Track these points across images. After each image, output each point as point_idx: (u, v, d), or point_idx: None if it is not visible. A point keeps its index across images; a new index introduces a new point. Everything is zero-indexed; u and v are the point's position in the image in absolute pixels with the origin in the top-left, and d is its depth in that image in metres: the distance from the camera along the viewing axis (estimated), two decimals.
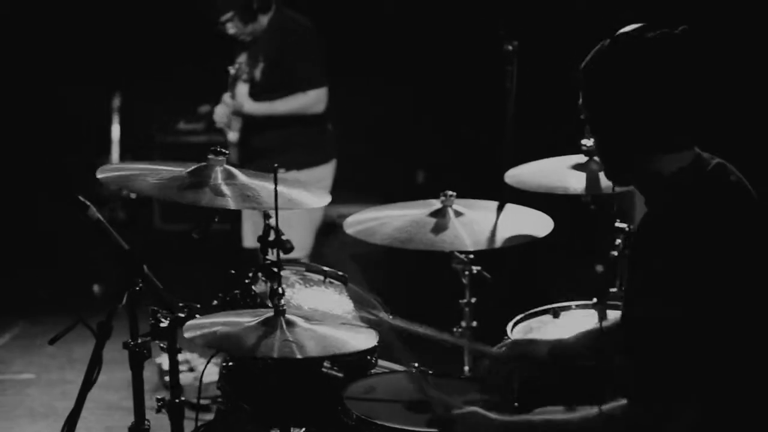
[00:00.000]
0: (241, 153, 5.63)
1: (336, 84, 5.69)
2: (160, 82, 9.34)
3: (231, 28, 5.50)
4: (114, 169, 3.00)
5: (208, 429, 3.25)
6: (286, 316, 2.64)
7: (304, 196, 3.12)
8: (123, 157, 8.79)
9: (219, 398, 3.41)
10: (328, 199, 3.21)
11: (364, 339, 2.70)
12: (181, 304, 3.40)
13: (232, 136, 5.64)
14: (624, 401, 2.41)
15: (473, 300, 3.95)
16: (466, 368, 3.92)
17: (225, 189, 2.88)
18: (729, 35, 5.31)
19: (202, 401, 5.02)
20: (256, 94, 5.52)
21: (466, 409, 2.59)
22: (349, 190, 7.59)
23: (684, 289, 2.35)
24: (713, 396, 2.38)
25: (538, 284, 5.39)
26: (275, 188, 2.66)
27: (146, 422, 3.06)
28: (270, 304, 3.16)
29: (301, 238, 5.46)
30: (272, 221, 3.37)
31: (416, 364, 3.38)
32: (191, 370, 5.44)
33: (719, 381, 2.38)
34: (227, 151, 3.03)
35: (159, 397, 3.29)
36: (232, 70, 5.52)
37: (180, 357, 5.57)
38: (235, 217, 6.81)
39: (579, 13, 6.54)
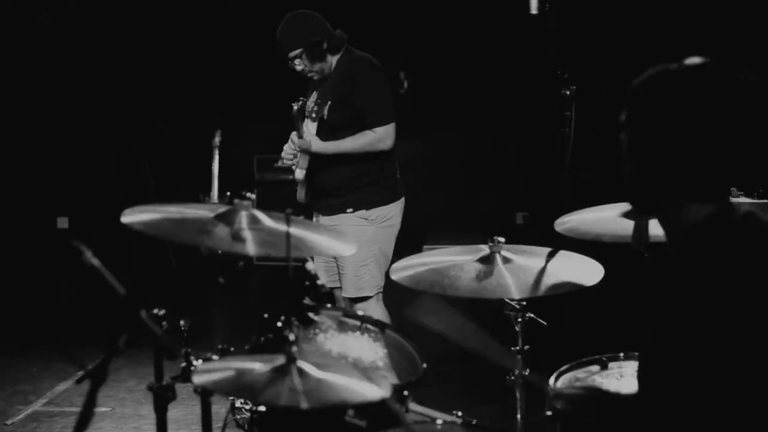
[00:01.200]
0: (308, 191, 5.63)
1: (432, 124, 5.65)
2: (259, 120, 9.46)
3: (299, 65, 5.51)
4: (140, 211, 2.99)
5: None
6: (298, 363, 2.59)
7: (327, 244, 3.07)
8: (222, 195, 8.84)
9: None
10: (352, 249, 3.15)
11: (377, 389, 2.63)
12: (220, 347, 3.42)
13: (299, 174, 5.64)
14: None
15: (526, 347, 3.85)
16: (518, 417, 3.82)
17: (247, 234, 2.85)
18: None
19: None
20: (325, 132, 5.51)
21: None
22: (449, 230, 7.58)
23: (704, 340, 2.24)
24: None
25: (591, 333, 5.25)
26: (287, 232, 2.60)
27: None
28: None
29: (371, 275, 5.43)
30: (309, 265, 3.37)
31: (459, 413, 3.34)
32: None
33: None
34: (253, 195, 3.01)
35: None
36: (295, 107, 5.52)
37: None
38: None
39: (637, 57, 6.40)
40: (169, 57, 9.57)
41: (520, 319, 3.82)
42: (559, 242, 3.69)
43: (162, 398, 2.97)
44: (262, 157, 9.78)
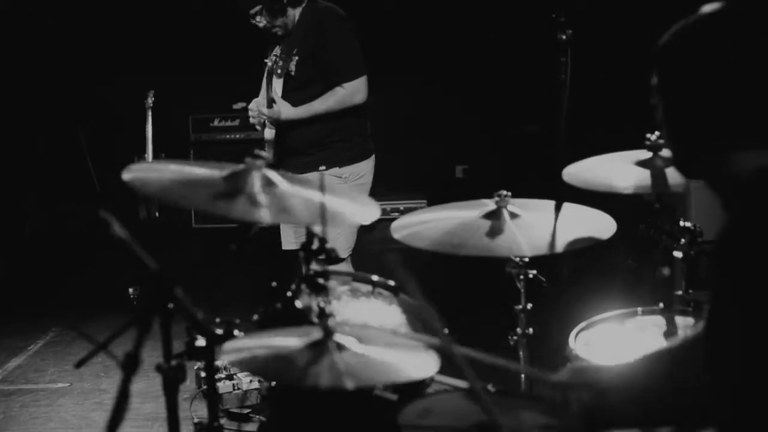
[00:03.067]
0: (278, 151, 5.38)
1: (377, 79, 5.44)
2: (194, 78, 9.20)
3: (260, 22, 5.26)
4: (142, 169, 2.74)
5: None
6: (336, 337, 2.39)
7: (350, 209, 2.86)
8: (157, 156, 8.59)
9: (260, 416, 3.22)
10: (377, 213, 2.94)
11: (424, 366, 2.44)
12: (218, 320, 3.19)
13: (268, 133, 5.40)
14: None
15: (529, 306, 3.69)
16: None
17: (262, 199, 2.62)
18: None
19: (242, 410, 4.87)
20: (291, 89, 5.27)
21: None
22: (387, 185, 7.38)
23: None
24: None
25: (598, 288, 5.13)
26: (321, 197, 2.39)
27: None
28: (315, 320, 2.94)
29: (344, 237, 5.23)
30: (316, 228, 3.15)
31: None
32: (230, 378, 5.21)
33: None
34: (267, 154, 2.78)
35: (196, 420, 3.07)
36: (268, 63, 5.27)
37: (218, 363, 5.43)
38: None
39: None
40: (102, 13, 9.25)
41: (522, 277, 3.67)
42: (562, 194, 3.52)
43: (172, 379, 2.74)
44: (197, 117, 9.51)
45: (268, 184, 2.69)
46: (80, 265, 8.53)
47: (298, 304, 2.97)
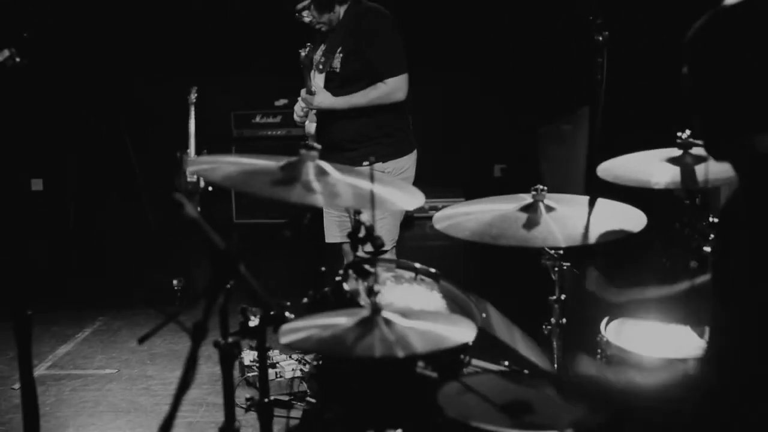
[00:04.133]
0: (321, 144, 5.56)
1: (415, 77, 5.61)
2: (236, 76, 9.39)
3: (307, 17, 5.45)
4: (205, 161, 2.93)
5: (299, 430, 3.20)
6: (384, 314, 2.57)
7: (396, 197, 3.04)
8: (199, 152, 8.81)
9: (307, 397, 3.38)
10: (422, 199, 3.12)
11: (464, 331, 2.62)
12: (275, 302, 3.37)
13: (310, 127, 5.59)
14: None
15: (563, 297, 3.86)
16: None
17: (316, 186, 2.81)
18: None
19: (285, 398, 5.04)
20: (336, 85, 5.46)
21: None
22: (427, 183, 7.55)
23: None
24: None
25: (628, 280, 5.27)
26: (371, 186, 2.57)
27: (237, 422, 3.00)
28: (362, 303, 3.12)
29: (387, 229, 5.39)
30: (363, 217, 3.34)
31: (507, 363, 3.34)
32: (272, 366, 5.40)
33: None
34: (320, 146, 2.96)
35: (248, 396, 3.25)
36: (302, 53, 5.46)
37: (254, 352, 5.60)
38: (316, 211, 6.79)
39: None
40: (146, 13, 9.44)
41: (557, 269, 3.83)
42: (596, 190, 3.68)
43: (229, 354, 2.93)
44: (240, 113, 9.72)
45: (321, 173, 2.88)
46: (125, 257, 8.76)
47: (346, 287, 3.15)
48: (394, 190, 3.07)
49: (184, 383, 2.30)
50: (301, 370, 5.55)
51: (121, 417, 5.30)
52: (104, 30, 9.42)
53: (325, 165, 2.91)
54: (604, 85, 3.80)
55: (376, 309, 2.58)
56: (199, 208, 8.58)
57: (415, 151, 5.63)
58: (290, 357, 5.57)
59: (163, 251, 8.40)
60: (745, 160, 2.46)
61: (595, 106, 3.81)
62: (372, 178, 2.59)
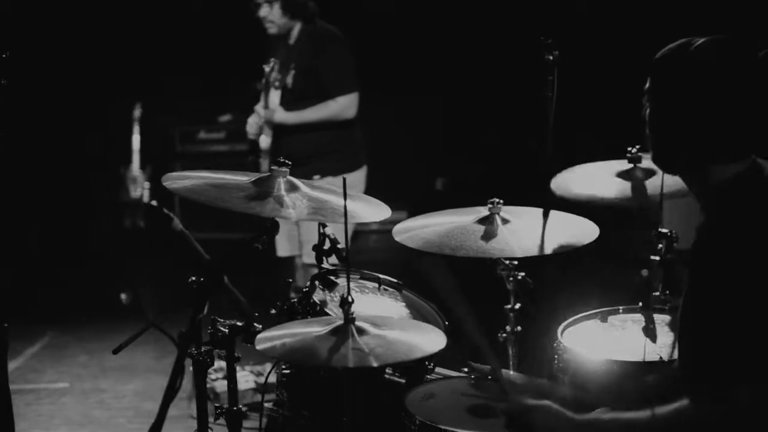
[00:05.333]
0: (273, 160, 5.66)
1: (365, 94, 5.75)
2: (180, 92, 9.42)
3: (263, 11, 5.54)
4: (178, 177, 3.02)
5: None
6: (357, 323, 2.68)
7: (364, 210, 3.15)
8: (143, 167, 8.86)
9: (273, 406, 3.47)
10: (387, 212, 3.23)
11: (435, 341, 2.73)
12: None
13: (264, 142, 5.69)
14: (685, 400, 2.44)
15: (518, 306, 4.00)
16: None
17: (288, 200, 2.91)
18: None
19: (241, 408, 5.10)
20: (287, 101, 5.58)
21: (541, 402, 2.63)
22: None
23: (749, 289, 2.38)
24: None
25: (580, 290, 5.42)
26: (344, 199, 2.67)
27: (210, 429, 3.09)
28: (330, 312, 3.23)
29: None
30: (328, 230, 3.45)
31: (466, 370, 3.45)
32: (225, 378, 5.47)
33: None
34: (290, 162, 3.06)
35: (218, 404, 3.34)
36: (266, 69, 5.57)
37: (216, 364, 5.68)
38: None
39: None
40: (90, 29, 9.44)
41: (512, 278, 3.97)
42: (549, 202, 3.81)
43: (202, 364, 3.02)
44: (184, 129, 9.73)
45: (292, 188, 2.98)
46: (72, 271, 8.73)
47: (315, 298, 3.26)
48: (361, 204, 3.18)
49: (171, 390, 2.38)
50: (255, 381, 5.64)
51: (77, 430, 5.34)
52: (50, 45, 9.40)
53: (296, 180, 3.01)
54: (555, 101, 3.95)
55: (349, 319, 2.68)
56: (142, 223, 8.63)
57: (365, 167, 5.77)
58: (243, 368, 5.65)
59: (109, 265, 8.42)
60: (701, 188, 2.60)
61: (546, 122, 3.96)
62: (345, 194, 2.68)
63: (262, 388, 3.35)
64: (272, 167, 3.01)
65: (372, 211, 3.16)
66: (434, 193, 9.96)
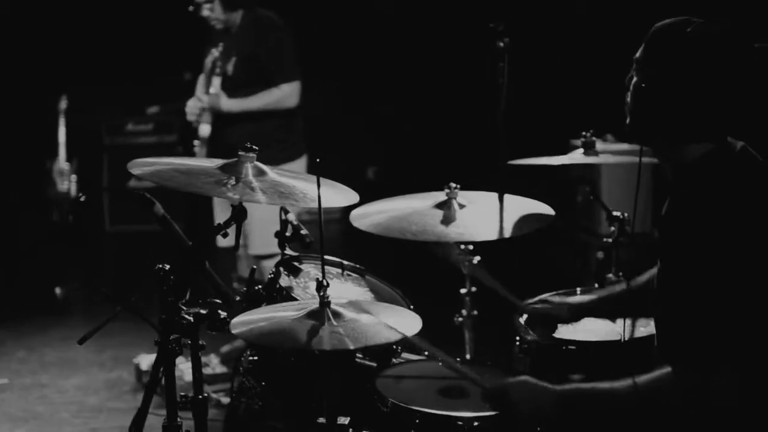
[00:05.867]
0: (212, 149, 5.63)
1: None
2: (107, 83, 9.31)
3: (206, 11, 5.52)
4: (146, 164, 2.98)
5: (240, 428, 3.27)
6: (332, 307, 2.67)
7: (333, 195, 3.14)
8: (70, 160, 8.74)
9: (234, 394, 3.46)
10: (356, 197, 3.23)
11: (412, 323, 2.74)
12: (200, 301, 3.44)
13: (204, 130, 5.64)
14: (666, 368, 2.49)
15: (473, 289, 4.03)
16: None
17: (257, 185, 2.90)
18: None
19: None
20: (229, 89, 5.55)
21: (518, 378, 2.66)
22: None
23: (721, 265, 2.43)
24: (757, 363, 2.45)
25: (537, 271, 5.48)
26: (318, 184, 2.66)
27: (179, 419, 3.06)
28: (298, 297, 3.23)
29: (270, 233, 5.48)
30: (291, 216, 3.44)
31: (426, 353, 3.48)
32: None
33: (762, 347, 2.45)
34: (256, 147, 3.05)
35: (182, 393, 3.30)
36: (210, 57, 5.53)
37: (153, 357, 5.64)
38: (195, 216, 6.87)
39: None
40: (14, 20, 9.29)
41: (467, 263, 4.00)
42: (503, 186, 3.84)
43: (170, 352, 2.99)
44: (111, 122, 9.63)
45: (260, 173, 2.97)
46: (4, 267, 8.59)
47: (282, 283, 3.25)
48: (329, 189, 3.17)
49: (156, 378, 2.36)
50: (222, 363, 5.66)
51: (20, 426, 5.25)
52: None
53: (263, 166, 2.99)
54: (506, 89, 3.98)
55: (325, 302, 2.67)
56: (70, 217, 8.52)
57: (305, 156, 5.76)
58: (187, 360, 5.60)
59: (40, 260, 8.31)
60: (674, 162, 2.65)
61: (498, 109, 3.99)
62: (319, 182, 2.67)
63: (231, 377, 3.31)
64: (239, 153, 2.99)
65: (341, 196, 3.15)
66: (366, 183, 9.99)
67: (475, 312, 4.06)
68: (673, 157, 2.64)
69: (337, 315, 2.66)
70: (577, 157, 3.88)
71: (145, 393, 2.62)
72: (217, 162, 3.01)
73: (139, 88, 9.36)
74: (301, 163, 5.70)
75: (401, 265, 5.46)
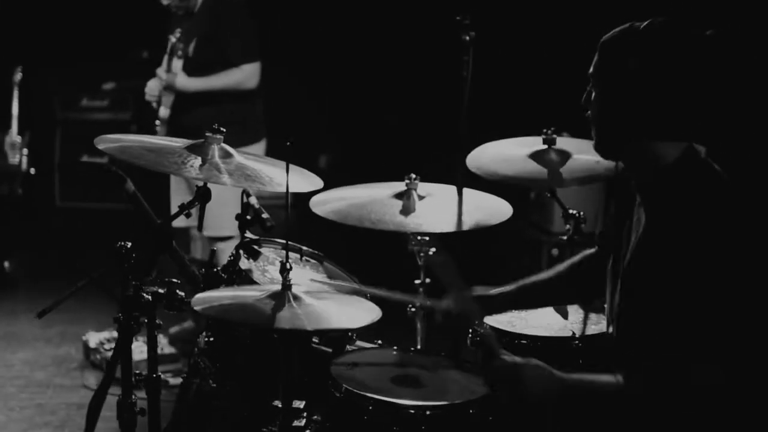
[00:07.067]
0: (171, 130, 5.62)
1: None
2: (63, 57, 9.24)
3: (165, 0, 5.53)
4: (113, 140, 2.99)
5: (192, 408, 3.29)
6: (293, 290, 2.71)
7: (297, 180, 3.17)
8: (22, 134, 8.66)
9: (187, 374, 3.47)
10: (321, 182, 3.26)
11: (372, 312, 2.78)
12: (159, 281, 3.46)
13: (163, 111, 5.64)
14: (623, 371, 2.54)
15: (428, 280, 4.07)
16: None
17: (223, 167, 2.92)
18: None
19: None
20: (190, 70, 5.55)
21: (531, 360, 2.67)
22: None
23: (693, 273, 2.46)
24: (734, 359, 2.48)
25: (490, 267, 5.53)
26: (287, 168, 2.69)
27: (134, 396, 3.08)
28: (258, 280, 3.26)
29: (233, 215, 5.47)
30: (252, 200, 3.47)
31: (379, 342, 3.52)
32: None
33: (738, 343, 2.48)
34: (224, 129, 3.06)
35: (137, 371, 3.32)
36: (173, 39, 5.52)
37: (108, 334, 5.63)
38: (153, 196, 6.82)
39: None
40: None
41: (422, 254, 4.04)
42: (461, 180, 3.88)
43: (128, 330, 3.01)
44: (66, 96, 9.56)
45: (226, 155, 2.99)
46: None
47: (241, 266, 3.28)
48: (293, 174, 3.19)
49: (118, 355, 2.38)
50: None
51: None
52: None
53: (230, 148, 3.02)
54: (470, 81, 4.02)
55: (287, 285, 2.70)
56: (20, 190, 8.45)
57: (264, 140, 5.78)
58: (136, 339, 5.61)
59: None
60: (645, 165, 2.68)
61: (461, 102, 4.02)
62: (288, 170, 2.70)
63: (189, 356, 3.33)
64: (206, 134, 3.00)
65: (305, 181, 3.18)
66: (317, 171, 9.98)
67: (429, 303, 4.08)
68: (646, 164, 2.67)
69: (297, 298, 2.70)
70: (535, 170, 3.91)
71: (106, 370, 2.63)
72: (185, 142, 3.03)
73: (96, 64, 9.30)
74: (259, 147, 5.72)
75: (357, 253, 5.50)
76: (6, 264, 7.19)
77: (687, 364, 2.44)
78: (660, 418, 2.50)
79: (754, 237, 2.55)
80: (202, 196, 2.94)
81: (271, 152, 5.78)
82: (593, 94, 2.69)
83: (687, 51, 2.57)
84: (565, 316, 3.57)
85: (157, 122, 5.64)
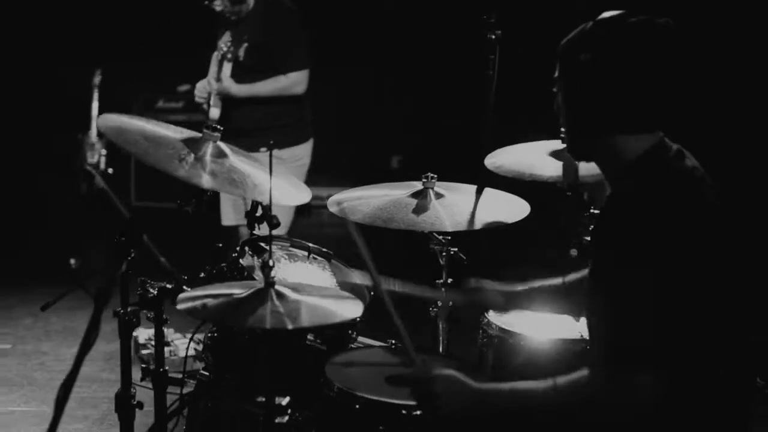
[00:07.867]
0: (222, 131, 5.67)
1: (319, 70, 5.79)
2: (141, 60, 9.41)
3: (218, 6, 5.58)
4: (115, 120, 3.03)
5: (192, 399, 3.33)
6: (277, 287, 2.72)
7: (285, 191, 3.19)
8: (100, 135, 8.86)
9: (201, 370, 3.51)
10: (308, 196, 3.28)
11: (352, 309, 2.78)
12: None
13: (214, 113, 5.71)
14: (584, 371, 2.50)
15: (450, 280, 4.05)
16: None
17: (209, 166, 2.94)
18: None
19: (178, 375, 5.15)
20: (238, 74, 5.60)
21: (445, 371, 2.67)
22: (325, 174, 7.72)
23: (647, 268, 2.43)
24: (679, 368, 2.46)
25: (511, 267, 5.47)
26: (270, 170, 2.71)
27: (132, 389, 3.13)
28: (257, 277, 3.28)
29: (281, 215, 5.53)
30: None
31: (393, 341, 3.51)
32: (166, 344, 5.51)
33: (685, 352, 2.46)
34: (222, 128, 3.09)
35: (143, 365, 3.37)
36: (222, 46, 5.59)
37: (150, 331, 5.71)
38: (214, 194, 6.90)
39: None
40: None
41: (444, 253, 4.02)
42: (483, 180, 3.86)
43: (128, 324, 3.06)
44: (143, 97, 9.73)
45: (220, 155, 3.02)
46: (20, 235, 8.71)
47: (242, 263, 3.30)
48: (283, 184, 3.22)
49: (86, 344, 2.42)
50: (195, 349, 5.67)
51: (15, 391, 5.36)
52: (9, 11, 9.36)
53: (225, 147, 3.04)
54: (496, 80, 3.99)
55: (270, 282, 2.72)
56: (95, 188, 8.61)
57: (311, 140, 5.82)
58: (184, 336, 5.70)
59: (58, 229, 8.42)
60: (611, 159, 2.66)
61: (487, 101, 4.00)
62: (271, 169, 2.72)
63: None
64: (204, 130, 3.04)
65: (291, 193, 3.20)
66: (389, 171, 10.01)
67: (451, 303, 4.07)
68: (614, 160, 2.64)
69: (280, 296, 2.71)
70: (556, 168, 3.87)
71: (76, 357, 2.67)
72: (186, 134, 3.06)
73: (173, 65, 9.45)
74: (306, 148, 5.78)
75: (380, 254, 5.53)
76: (72, 260, 7.33)
77: (633, 373, 2.40)
78: (602, 422, 2.48)
79: (711, 235, 2.53)
80: (201, 192, 2.97)
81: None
82: (559, 97, 2.68)
83: (636, 39, 2.56)
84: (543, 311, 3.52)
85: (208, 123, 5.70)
